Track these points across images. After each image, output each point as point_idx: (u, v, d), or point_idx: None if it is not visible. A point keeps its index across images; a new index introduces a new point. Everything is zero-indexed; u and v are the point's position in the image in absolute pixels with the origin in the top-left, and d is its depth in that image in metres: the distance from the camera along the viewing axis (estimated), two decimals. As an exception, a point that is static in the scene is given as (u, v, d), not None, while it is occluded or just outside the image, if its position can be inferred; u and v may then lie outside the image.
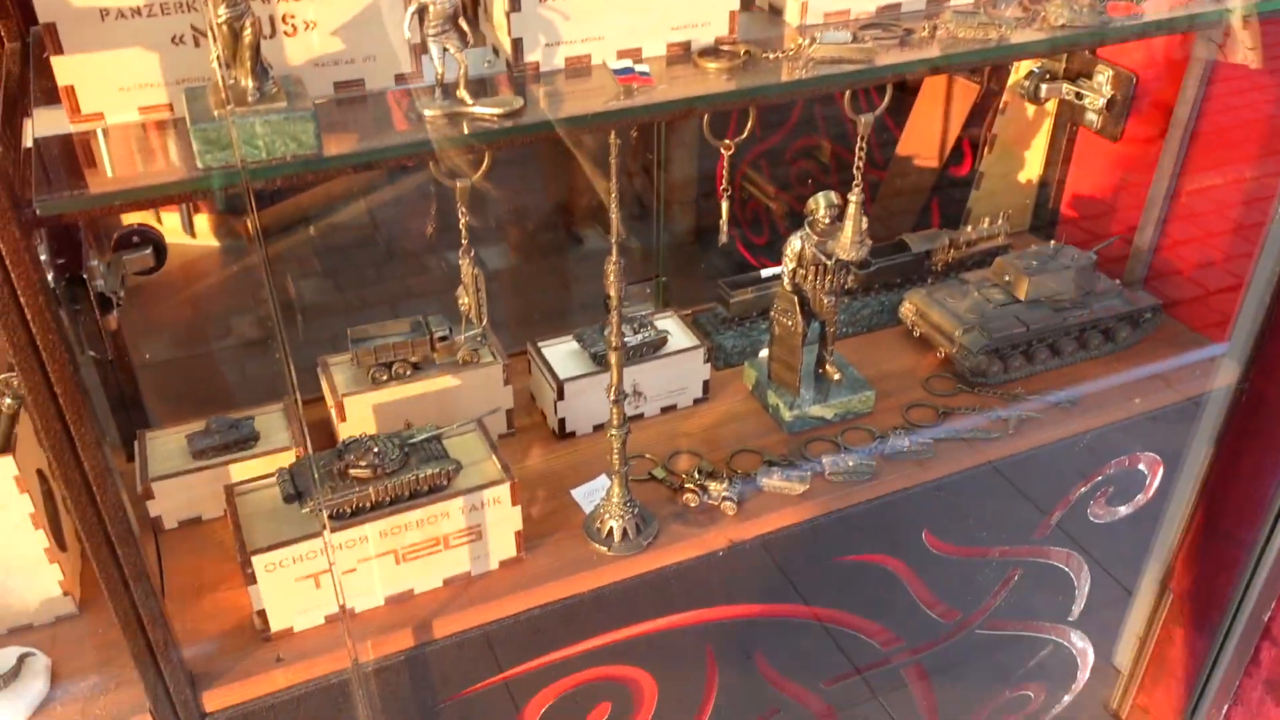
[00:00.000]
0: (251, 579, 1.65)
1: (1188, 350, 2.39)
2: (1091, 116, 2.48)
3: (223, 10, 1.18)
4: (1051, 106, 2.60)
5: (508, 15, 1.45)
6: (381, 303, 3.20)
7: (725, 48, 1.58)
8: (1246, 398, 2.37)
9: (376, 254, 3.24)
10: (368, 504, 1.72)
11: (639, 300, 2.23)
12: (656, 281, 2.32)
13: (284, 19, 1.35)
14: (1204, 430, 2.42)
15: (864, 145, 1.74)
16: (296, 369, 1.54)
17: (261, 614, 1.70)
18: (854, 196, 1.83)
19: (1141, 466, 2.37)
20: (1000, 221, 2.59)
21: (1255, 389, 2.35)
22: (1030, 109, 2.61)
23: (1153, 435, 2.33)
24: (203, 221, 3.53)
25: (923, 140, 3.07)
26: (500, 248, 3.15)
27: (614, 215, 1.57)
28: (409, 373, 2.00)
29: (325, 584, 1.72)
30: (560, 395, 2.07)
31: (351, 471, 1.71)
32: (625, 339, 1.83)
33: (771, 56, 1.56)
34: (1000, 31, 1.64)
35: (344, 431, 1.96)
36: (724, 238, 1.67)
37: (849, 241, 1.88)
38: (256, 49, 1.19)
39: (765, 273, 2.39)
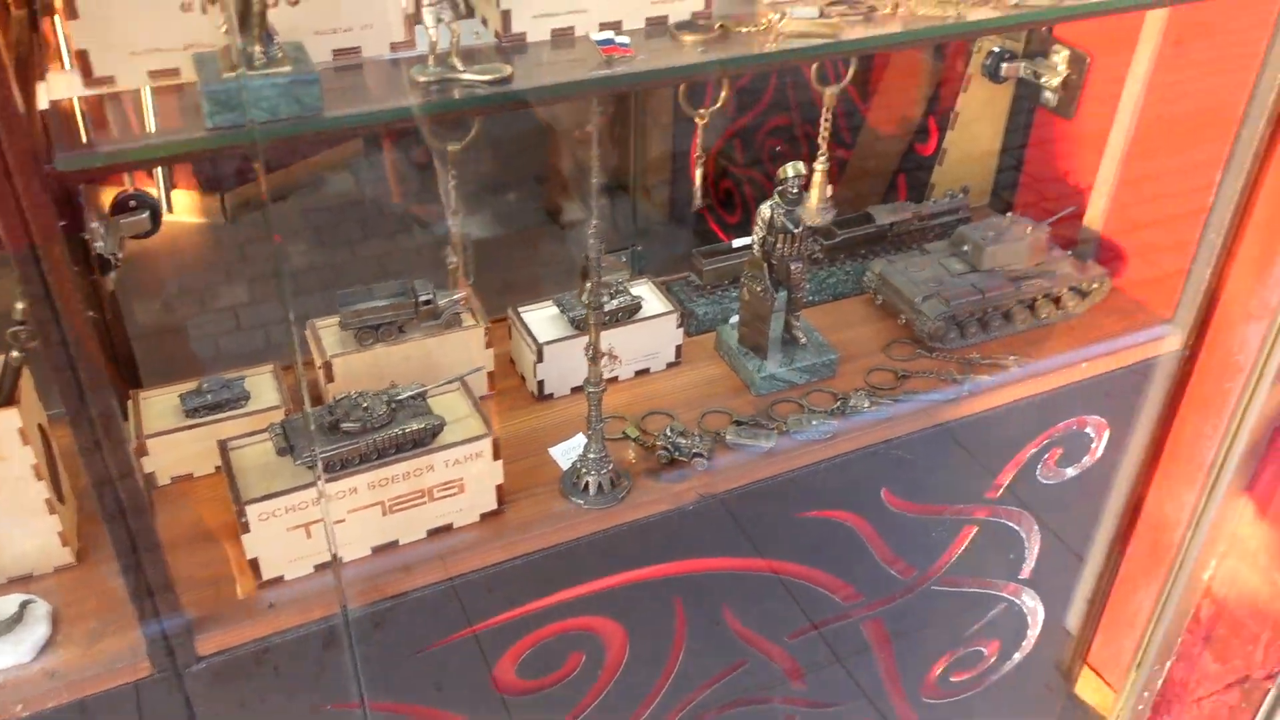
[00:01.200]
0: (245, 528, 1.72)
1: (1133, 319, 2.50)
2: (1048, 95, 2.58)
3: (233, -22, 1.25)
4: (1011, 85, 2.71)
5: (497, -13, 1.53)
6: (362, 271, 3.27)
7: (701, 22, 1.67)
8: (1187, 365, 2.50)
9: (357, 225, 3.31)
10: (357, 457, 1.79)
11: (615, 269, 2.31)
12: (631, 250, 2.40)
13: (286, -12, 1.42)
14: (1147, 395, 2.54)
15: (829, 116, 1.84)
16: (284, 332, 1.61)
17: (254, 562, 1.77)
18: (819, 165, 1.93)
19: (1088, 429, 2.49)
20: (960, 195, 2.70)
21: (1194, 358, 2.48)
22: (991, 87, 2.72)
23: (1099, 400, 2.45)
24: (180, 197, 3.59)
25: (889, 119, 3.17)
26: (480, 218, 3.23)
27: (595, 179, 1.66)
28: (394, 335, 2.08)
29: (315, 534, 1.79)
30: (540, 358, 2.15)
31: (342, 426, 1.78)
32: (602, 302, 1.91)
33: (744, 31, 1.65)
34: (958, 9, 1.74)
35: (331, 392, 2.03)
36: (698, 202, 1.76)
37: (814, 207, 1.98)
38: (263, 15, 1.27)
39: (736, 243, 2.48)
